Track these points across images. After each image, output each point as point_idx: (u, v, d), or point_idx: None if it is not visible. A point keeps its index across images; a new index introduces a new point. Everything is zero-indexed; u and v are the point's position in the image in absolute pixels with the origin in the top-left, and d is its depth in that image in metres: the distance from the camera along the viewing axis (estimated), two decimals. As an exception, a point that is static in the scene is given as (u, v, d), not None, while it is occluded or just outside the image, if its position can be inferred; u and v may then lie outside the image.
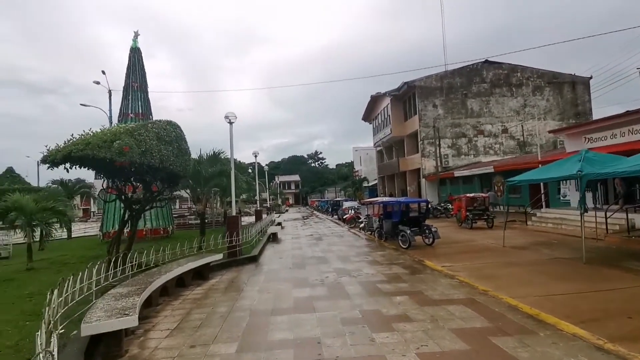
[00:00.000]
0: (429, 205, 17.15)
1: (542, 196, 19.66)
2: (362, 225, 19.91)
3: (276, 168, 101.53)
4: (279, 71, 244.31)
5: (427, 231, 13.93)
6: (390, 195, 40.67)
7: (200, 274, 9.27)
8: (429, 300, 6.64)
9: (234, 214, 12.18)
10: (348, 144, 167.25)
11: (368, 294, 7.34)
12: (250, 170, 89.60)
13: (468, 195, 19.75)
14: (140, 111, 19.21)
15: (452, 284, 7.77)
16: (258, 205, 24.59)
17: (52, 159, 7.90)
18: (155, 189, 10.91)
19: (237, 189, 16.67)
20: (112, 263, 9.07)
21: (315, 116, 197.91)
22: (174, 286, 8.06)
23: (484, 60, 36.53)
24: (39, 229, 17.88)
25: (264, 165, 34.69)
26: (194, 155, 13.37)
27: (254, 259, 11.60)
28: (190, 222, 27.42)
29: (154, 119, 15.78)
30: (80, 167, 8.32)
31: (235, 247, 11.41)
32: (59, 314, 4.84)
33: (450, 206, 25.68)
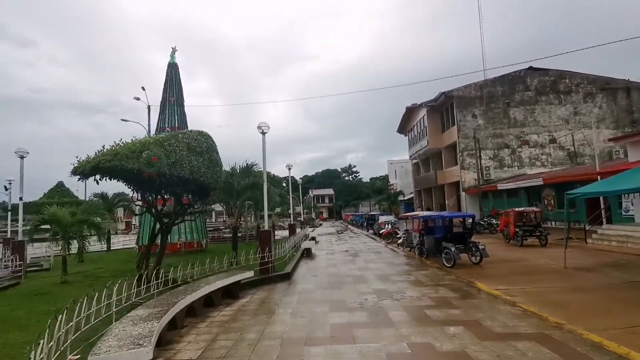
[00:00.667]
0: (475, 220, 15.85)
1: (603, 211, 17.74)
2: (400, 241, 18.80)
3: (310, 182, 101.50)
4: (313, 86, 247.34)
5: (473, 248, 12.75)
6: (428, 209, 38.98)
7: (230, 293, 8.65)
8: (491, 334, 5.60)
9: (266, 228, 11.59)
10: (382, 157, 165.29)
11: (415, 322, 6.39)
12: (284, 184, 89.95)
13: (517, 209, 18.20)
14: (176, 125, 19.32)
15: (514, 313, 6.66)
16: (291, 219, 24.01)
17: (82, 170, 7.62)
18: (187, 202, 10.52)
19: (270, 202, 16.20)
20: (138, 280, 8.74)
21: (348, 130, 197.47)
22: (201, 306, 7.47)
23: (527, 67, 34.69)
24: (79, 242, 18.34)
25: (297, 178, 34.25)
26: (226, 167, 13.00)
27: (287, 277, 10.89)
28: (225, 235, 27.29)
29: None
30: (110, 178, 8.02)
31: (268, 264, 10.77)
32: (68, 342, 4.29)
33: (494, 221, 23.99)
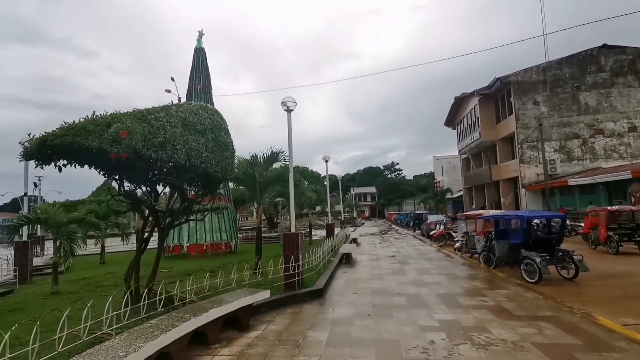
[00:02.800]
0: (566, 223, 12.35)
1: None
2: (457, 244, 15.53)
3: (351, 180, 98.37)
4: (354, 84, 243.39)
5: (566, 259, 9.48)
6: (482, 209, 34.77)
7: (237, 322, 6.11)
8: None
9: (292, 229, 8.98)
10: (425, 155, 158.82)
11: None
12: (325, 183, 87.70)
13: (610, 208, 14.35)
14: (202, 114, 17.32)
15: None
16: (329, 218, 21.25)
17: (29, 153, 5.41)
18: (193, 197, 8.16)
19: (301, 198, 13.71)
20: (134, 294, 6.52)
21: (390, 128, 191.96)
22: (184, 347, 4.99)
23: (601, 45, 29.71)
24: (100, 242, 16.92)
25: (338, 176, 31.35)
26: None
27: (319, 294, 8.21)
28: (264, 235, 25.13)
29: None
30: (70, 163, 5.75)
31: (294, 277, 8.16)
32: None
33: (577, 223, 20.01)
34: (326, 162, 18.52)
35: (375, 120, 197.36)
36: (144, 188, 7.35)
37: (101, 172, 6.24)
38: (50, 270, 13.75)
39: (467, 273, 10.80)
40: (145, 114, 6.11)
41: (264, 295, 6.51)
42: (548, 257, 9.43)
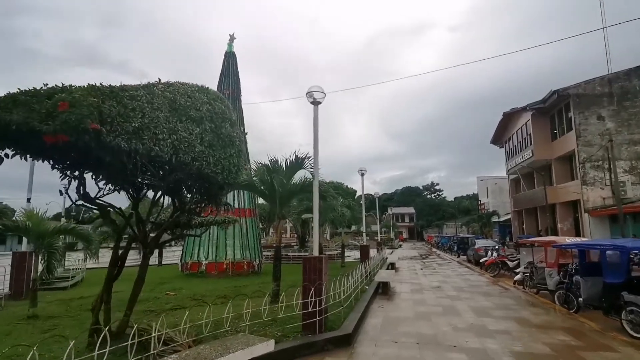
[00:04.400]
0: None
1: None
2: (518, 277, 12.75)
3: (389, 200, 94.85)
4: (394, 103, 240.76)
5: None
6: (539, 234, 30.93)
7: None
8: None
9: (315, 252, 6.95)
10: (466, 176, 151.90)
11: None
12: (362, 202, 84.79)
13: None
14: (231, 122, 15.95)
15: None
16: (364, 239, 18.91)
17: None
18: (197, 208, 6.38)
19: (334, 215, 11.71)
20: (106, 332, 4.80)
21: (429, 148, 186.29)
22: None
23: (677, 53, 25.84)
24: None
25: (374, 194, 28.85)
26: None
27: (346, 341, 6.06)
28: (289, 254, 23.13)
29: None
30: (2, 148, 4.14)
31: (314, 317, 6.07)
32: None
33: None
34: (362, 175, 16.34)
35: (414, 139, 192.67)
36: (126, 191, 5.65)
37: (55, 167, 4.59)
38: (64, 284, 12.57)
39: (542, 319, 8.15)
40: (117, 91, 4.43)
41: (264, 347, 4.48)
42: (661, 304, 6.79)
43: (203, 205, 6.33)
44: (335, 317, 7.06)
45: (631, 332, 6.96)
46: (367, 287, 11.23)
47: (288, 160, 8.76)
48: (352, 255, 25.49)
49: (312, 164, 8.63)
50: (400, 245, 49.78)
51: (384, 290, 11.06)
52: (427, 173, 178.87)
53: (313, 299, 6.13)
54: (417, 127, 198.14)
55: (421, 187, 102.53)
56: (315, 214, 7.02)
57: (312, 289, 6.09)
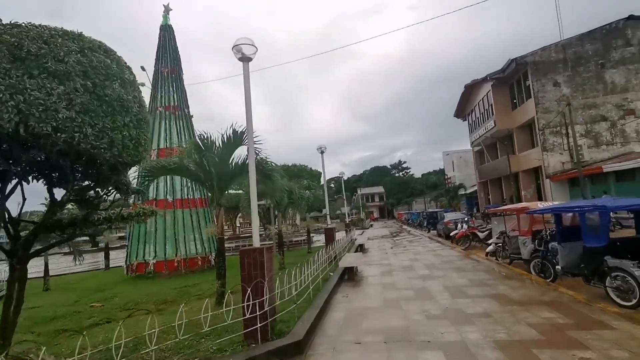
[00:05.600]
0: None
1: None
2: (490, 248, 12.03)
3: (358, 181, 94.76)
4: (360, 84, 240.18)
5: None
6: (504, 204, 31.05)
7: None
8: None
9: (254, 243, 5.63)
10: (433, 152, 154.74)
11: None
12: (332, 185, 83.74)
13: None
14: (172, 104, 14.11)
15: None
16: (328, 222, 17.69)
17: None
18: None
19: (275, 194, 10.39)
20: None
21: (396, 127, 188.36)
22: None
23: (627, 16, 26.02)
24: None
25: (339, 174, 27.59)
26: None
27: (296, 350, 4.83)
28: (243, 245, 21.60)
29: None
30: None
31: (256, 323, 4.78)
32: None
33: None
34: (322, 152, 14.99)
35: (382, 119, 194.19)
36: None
37: None
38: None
39: (521, 293, 7.30)
40: None
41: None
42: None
43: (102, 194, 4.82)
44: (290, 316, 5.83)
45: (618, 301, 6.24)
46: (331, 274, 10.11)
47: (224, 136, 7.30)
48: (322, 239, 24.44)
49: (255, 139, 7.25)
50: (372, 225, 49.47)
51: (349, 276, 9.98)
52: (395, 152, 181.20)
53: (252, 302, 4.82)
54: (385, 107, 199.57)
55: (389, 166, 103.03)
56: (253, 195, 5.68)
57: (249, 289, 4.78)
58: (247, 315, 4.84)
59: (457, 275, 9.64)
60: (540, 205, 9.33)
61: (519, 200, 30.68)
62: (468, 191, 43.19)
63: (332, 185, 77.54)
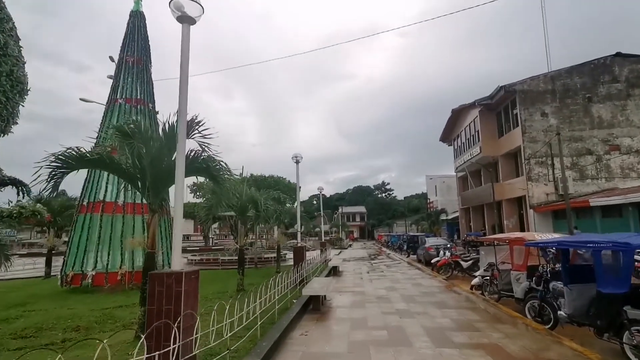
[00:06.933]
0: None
1: None
2: (476, 281, 10.67)
3: (340, 199, 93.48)
4: (347, 105, 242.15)
5: None
6: (483, 233, 30.13)
7: None
8: None
9: (174, 264, 4.05)
10: (416, 177, 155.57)
11: None
12: (315, 202, 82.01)
13: None
14: (136, 96, 12.50)
15: None
16: (298, 239, 16.00)
17: None
18: None
19: (255, 210, 8.83)
20: None
21: (381, 149, 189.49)
22: None
23: (614, 53, 26.03)
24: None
25: (317, 189, 26.05)
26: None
27: None
28: (224, 259, 19.70)
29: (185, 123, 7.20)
30: None
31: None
32: None
33: None
34: (297, 162, 13.50)
35: (368, 139, 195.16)
36: None
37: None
38: None
39: (522, 345, 5.85)
40: None
41: None
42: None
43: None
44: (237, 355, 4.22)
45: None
46: (295, 301, 8.51)
47: (166, 126, 5.79)
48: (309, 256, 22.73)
49: (207, 133, 5.76)
50: (350, 245, 47.86)
51: (315, 305, 8.39)
52: (379, 173, 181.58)
53: (154, 352, 3.23)
54: (370, 128, 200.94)
55: (372, 187, 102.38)
56: (178, 199, 4.16)
57: (155, 330, 3.20)
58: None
59: (439, 312, 8.17)
60: (538, 237, 8.05)
61: (501, 229, 29.84)
62: (449, 217, 42.32)
63: (315, 202, 76.06)
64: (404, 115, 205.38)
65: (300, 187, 14.92)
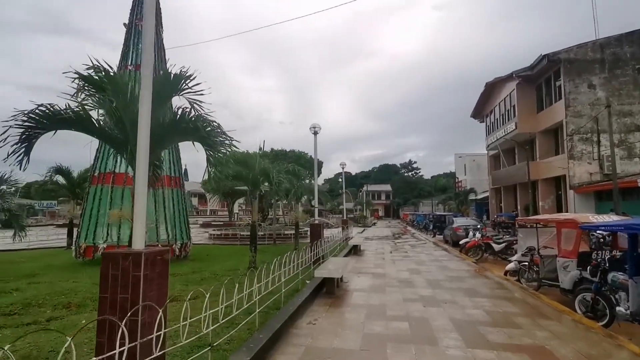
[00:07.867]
0: None
1: None
2: (511, 266, 9.46)
3: (366, 177, 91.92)
4: (375, 82, 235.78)
5: None
6: (516, 215, 28.24)
7: None
8: None
9: (136, 243, 3.27)
10: (444, 156, 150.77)
11: None
12: (340, 180, 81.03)
13: None
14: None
15: None
16: (315, 216, 15.07)
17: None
18: None
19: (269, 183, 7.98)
20: None
21: (410, 127, 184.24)
22: None
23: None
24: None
25: (339, 164, 24.84)
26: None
27: None
28: (242, 234, 19.25)
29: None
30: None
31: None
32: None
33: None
34: (315, 133, 12.43)
35: (395, 119, 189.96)
36: None
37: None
38: None
39: (574, 348, 4.75)
40: None
41: None
42: None
43: None
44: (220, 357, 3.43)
45: None
46: (308, 282, 7.71)
47: (153, 80, 4.91)
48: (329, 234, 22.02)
49: (198, 89, 4.82)
50: (375, 223, 46.88)
51: (329, 288, 7.55)
52: (405, 152, 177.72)
53: (106, 354, 2.42)
54: (400, 106, 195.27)
55: (399, 165, 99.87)
56: (141, 166, 3.30)
57: (121, 323, 2.40)
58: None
59: (469, 301, 7.13)
60: (593, 219, 6.73)
61: (535, 211, 27.84)
62: (479, 197, 40.26)
63: (340, 180, 75.07)
64: (434, 93, 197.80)
65: (319, 161, 13.83)
